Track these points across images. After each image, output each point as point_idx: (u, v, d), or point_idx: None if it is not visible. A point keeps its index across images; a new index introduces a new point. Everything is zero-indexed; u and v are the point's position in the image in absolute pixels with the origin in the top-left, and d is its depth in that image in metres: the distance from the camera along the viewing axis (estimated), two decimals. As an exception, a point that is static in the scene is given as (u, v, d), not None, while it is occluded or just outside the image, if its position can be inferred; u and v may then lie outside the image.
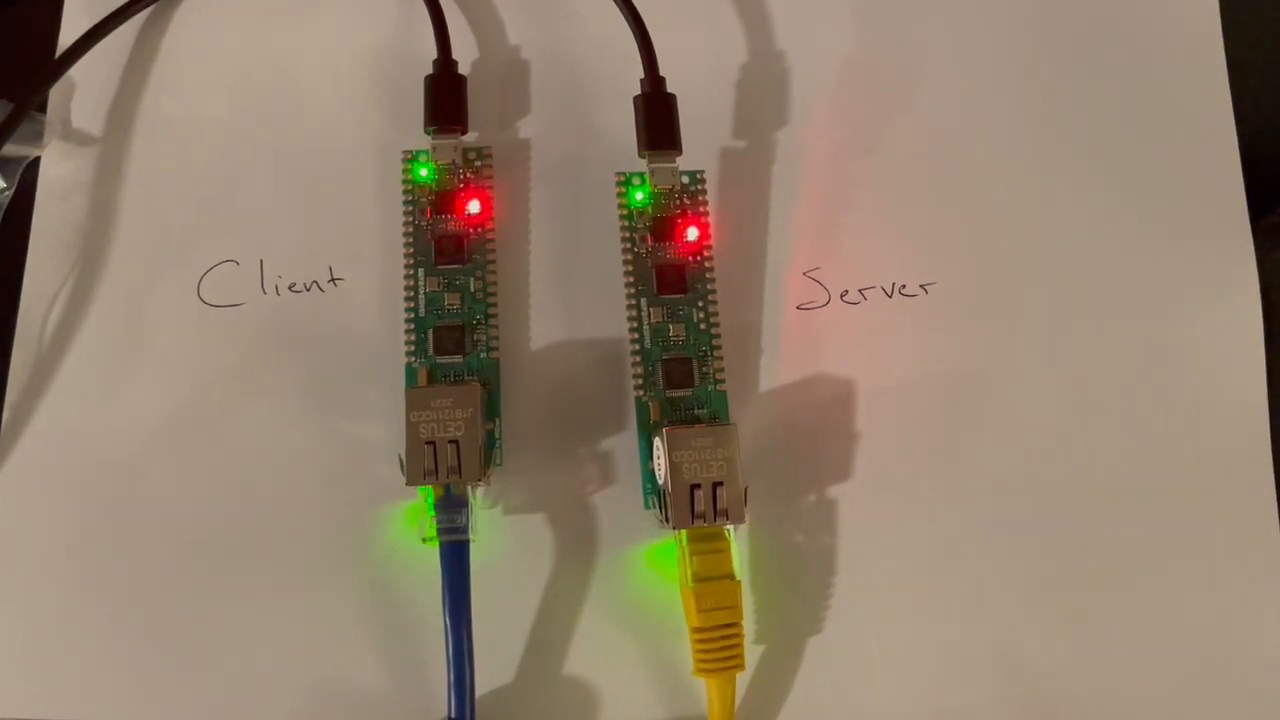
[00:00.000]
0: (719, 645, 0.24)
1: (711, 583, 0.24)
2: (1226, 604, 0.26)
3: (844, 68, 0.30)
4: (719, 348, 0.26)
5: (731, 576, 0.24)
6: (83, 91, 0.30)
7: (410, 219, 0.27)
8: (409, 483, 0.24)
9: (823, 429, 0.27)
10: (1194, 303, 0.28)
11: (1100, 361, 0.28)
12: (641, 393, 0.26)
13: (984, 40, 0.31)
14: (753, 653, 0.25)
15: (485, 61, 0.30)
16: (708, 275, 0.27)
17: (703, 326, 0.26)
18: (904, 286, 0.28)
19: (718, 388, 0.26)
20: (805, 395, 0.27)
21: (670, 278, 0.27)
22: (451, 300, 0.26)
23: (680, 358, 0.26)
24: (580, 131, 0.29)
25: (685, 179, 0.27)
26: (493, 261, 0.27)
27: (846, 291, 0.28)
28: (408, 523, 0.26)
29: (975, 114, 0.30)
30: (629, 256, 0.27)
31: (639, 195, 0.27)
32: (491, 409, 0.26)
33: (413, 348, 0.26)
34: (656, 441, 0.25)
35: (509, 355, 0.27)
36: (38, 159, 0.29)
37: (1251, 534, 0.27)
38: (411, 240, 0.27)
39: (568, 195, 0.29)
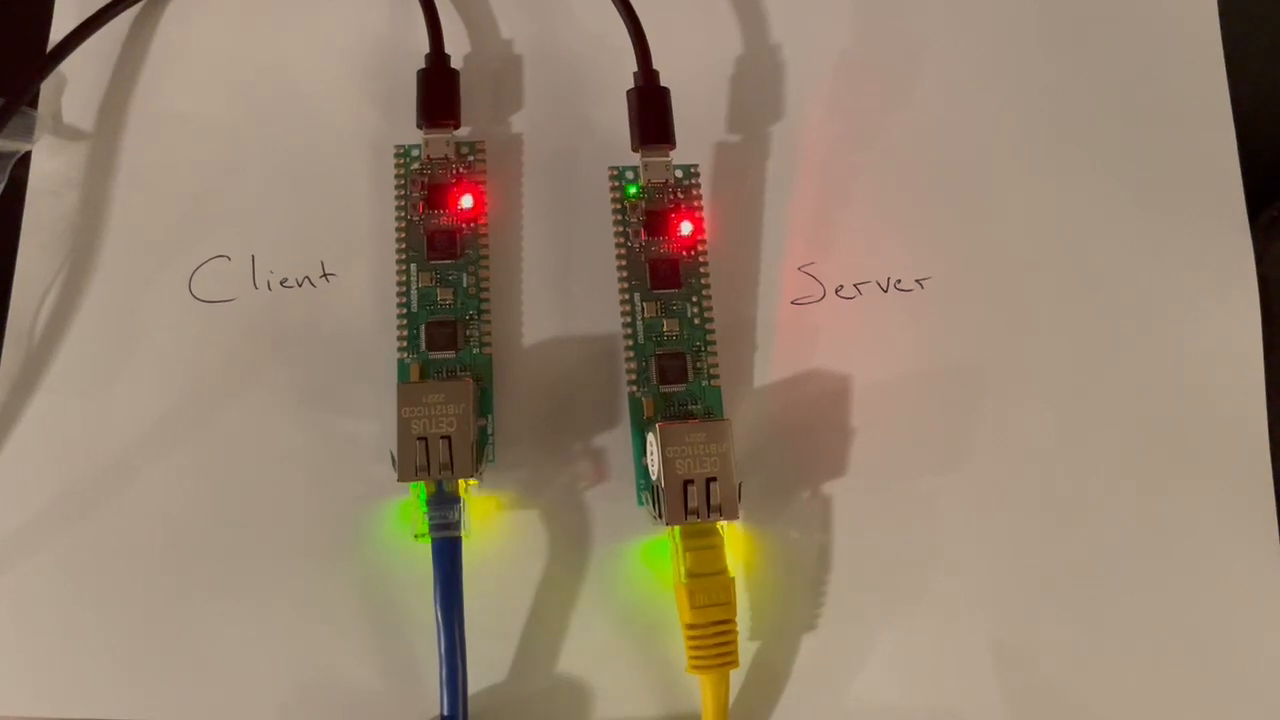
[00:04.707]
0: (713, 642, 0.24)
1: (705, 579, 0.24)
2: (1225, 600, 0.26)
3: (839, 61, 0.30)
4: (713, 343, 0.26)
5: (725, 573, 0.24)
6: (74, 86, 0.30)
7: (402, 214, 0.27)
8: (401, 479, 0.24)
9: (817, 424, 0.27)
10: (1192, 297, 0.28)
11: (1098, 356, 0.28)
12: (635, 388, 0.26)
13: (980, 34, 0.30)
14: (747, 649, 0.25)
15: (478, 55, 0.30)
16: (702, 270, 0.27)
17: (697, 322, 0.26)
18: (899, 281, 0.28)
19: (711, 383, 0.26)
20: (800, 391, 0.27)
21: (664, 272, 0.26)
22: (444, 295, 0.26)
23: (674, 353, 0.26)
24: (573, 126, 0.29)
25: (679, 173, 0.27)
26: (485, 256, 0.27)
27: (841, 286, 0.28)
28: (400, 519, 0.26)
29: (971, 108, 0.30)
30: (622, 251, 0.27)
31: (633, 190, 0.27)
32: (484, 405, 0.26)
33: (405, 343, 0.26)
34: (650, 437, 0.25)
35: (502, 351, 0.27)
36: (28, 154, 0.29)
37: (1250, 528, 0.27)
38: (404, 235, 0.27)
39: (561, 190, 0.29)
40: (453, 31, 0.29)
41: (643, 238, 0.27)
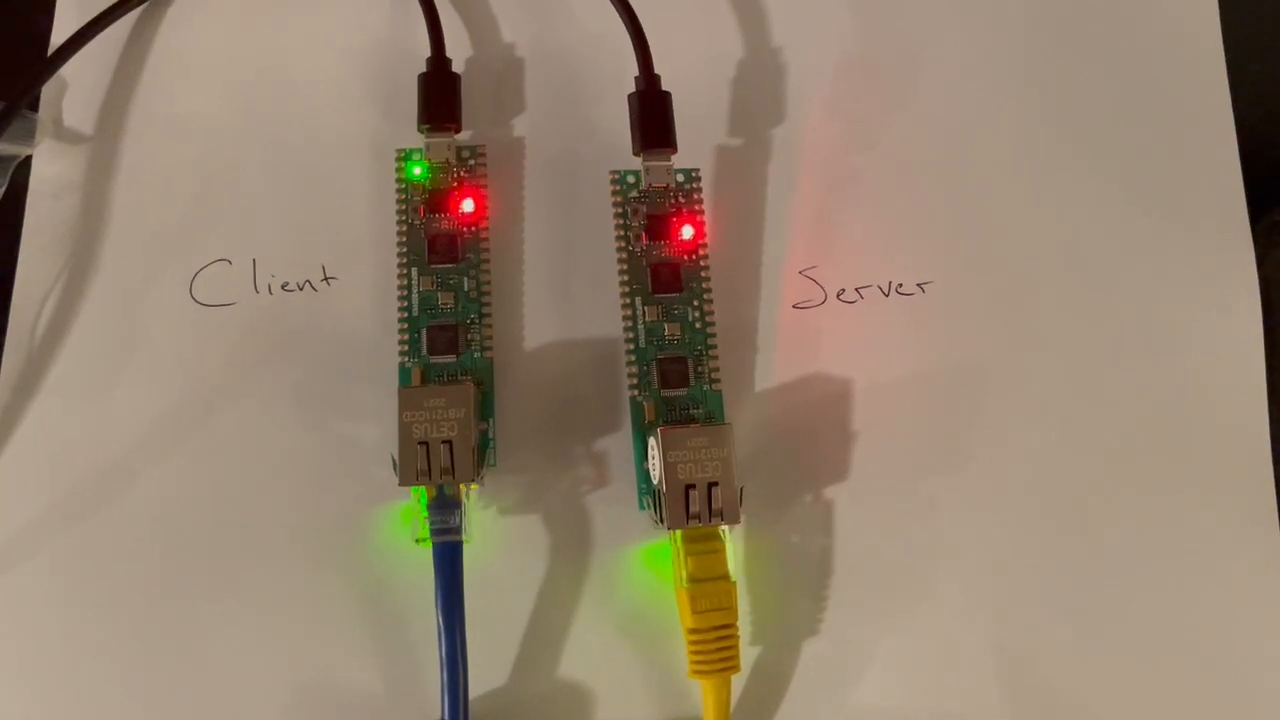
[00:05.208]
0: (714, 647, 0.24)
1: (707, 584, 0.24)
2: (1226, 601, 0.26)
3: (840, 65, 0.30)
4: (714, 347, 0.26)
5: (727, 577, 0.24)
6: (75, 90, 0.30)
7: (404, 218, 0.27)
8: (402, 483, 0.24)
9: (819, 429, 0.27)
10: (1193, 301, 0.28)
11: (1099, 360, 0.28)
12: (636, 392, 0.26)
13: (981, 38, 0.30)
14: (748, 654, 0.25)
15: (479, 59, 0.30)
16: (703, 274, 0.27)
17: (698, 325, 0.26)
18: (901, 285, 0.28)
19: (713, 387, 0.26)
20: (801, 395, 0.27)
21: (665, 276, 0.26)
22: (445, 299, 0.26)
23: (675, 357, 0.26)
24: (575, 129, 0.29)
25: (680, 177, 0.27)
26: (486, 260, 0.27)
27: (843, 290, 0.28)
28: (401, 523, 0.26)
29: (973, 112, 0.30)
30: (624, 255, 0.27)
31: (633, 193, 0.27)
32: (485, 409, 0.26)
33: (406, 347, 0.26)
34: (651, 441, 0.25)
35: (503, 355, 0.27)
36: (29, 158, 0.29)
37: (1251, 532, 0.27)
38: (405, 239, 0.27)
39: (562, 193, 0.29)
40: (453, 34, 0.29)
41: (644, 241, 0.27)
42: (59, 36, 0.30)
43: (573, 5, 0.30)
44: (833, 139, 0.29)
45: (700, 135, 0.29)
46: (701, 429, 0.24)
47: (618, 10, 0.28)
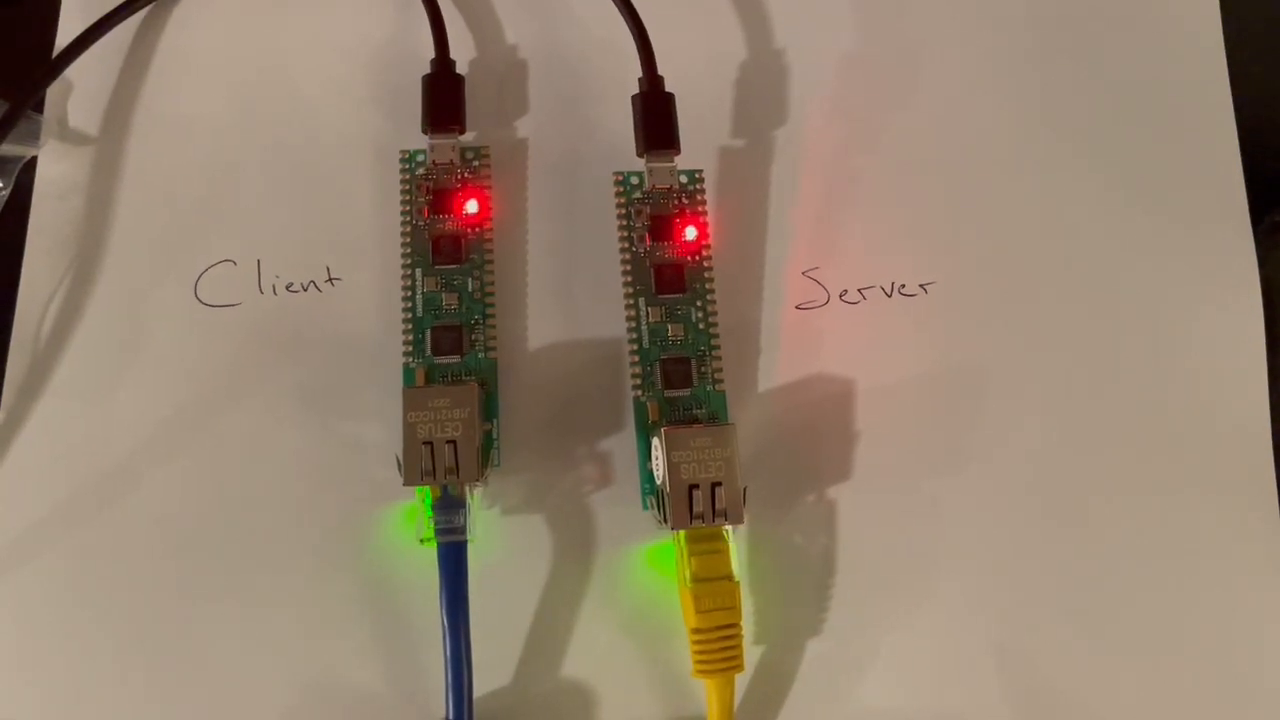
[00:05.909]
0: (718, 646, 0.24)
1: (710, 583, 0.24)
2: (1228, 602, 0.26)
3: (843, 66, 0.30)
4: (718, 348, 0.26)
5: (730, 577, 0.24)
6: (80, 91, 0.30)
7: (408, 219, 0.27)
8: (406, 483, 0.24)
9: (822, 429, 0.27)
10: (1195, 302, 0.28)
11: (1101, 361, 0.28)
12: (640, 393, 0.26)
13: (983, 39, 0.30)
14: (752, 654, 0.25)
15: (483, 60, 0.30)
16: (706, 275, 0.27)
17: (701, 326, 0.26)
18: (903, 286, 0.28)
19: (716, 388, 0.26)
20: (804, 395, 0.27)
21: (669, 277, 0.27)
22: (449, 300, 0.26)
23: (679, 358, 0.26)
24: (578, 130, 0.29)
25: (684, 178, 0.27)
26: (490, 261, 0.27)
27: (846, 291, 0.28)
28: (405, 523, 0.26)
29: (975, 113, 0.30)
30: (627, 256, 0.27)
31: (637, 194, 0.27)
32: (489, 409, 0.26)
33: (410, 348, 0.26)
34: (655, 442, 0.25)
35: (507, 355, 0.27)
36: (34, 159, 0.29)
37: (1252, 533, 0.27)
38: (409, 240, 0.27)
39: (566, 194, 0.29)
40: (457, 36, 0.29)
41: (647, 242, 0.27)
42: (64, 38, 0.30)
43: (576, 7, 0.30)
44: (835, 139, 0.29)
45: (703, 136, 0.29)
46: (705, 429, 0.24)
47: (621, 11, 0.28)
